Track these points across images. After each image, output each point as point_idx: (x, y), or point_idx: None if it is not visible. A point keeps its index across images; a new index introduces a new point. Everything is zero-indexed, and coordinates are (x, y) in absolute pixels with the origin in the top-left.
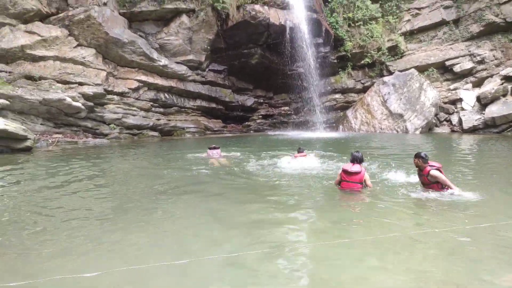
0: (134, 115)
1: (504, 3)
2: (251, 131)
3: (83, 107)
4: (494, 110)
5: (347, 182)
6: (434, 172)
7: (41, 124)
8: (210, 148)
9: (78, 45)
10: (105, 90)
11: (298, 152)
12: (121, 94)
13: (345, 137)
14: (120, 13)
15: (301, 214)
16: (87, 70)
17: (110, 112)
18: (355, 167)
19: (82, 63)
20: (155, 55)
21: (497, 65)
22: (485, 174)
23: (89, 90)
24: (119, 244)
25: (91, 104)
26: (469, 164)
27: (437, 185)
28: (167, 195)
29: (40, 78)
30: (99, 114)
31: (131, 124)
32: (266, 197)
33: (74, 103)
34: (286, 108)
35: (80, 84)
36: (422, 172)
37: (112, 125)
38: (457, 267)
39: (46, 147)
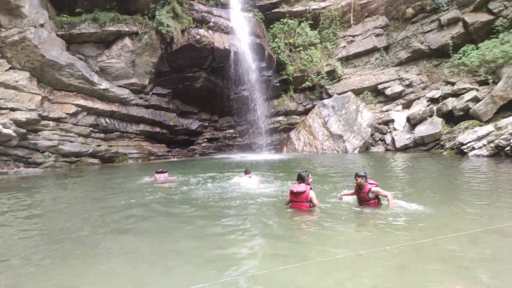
0: (71, 141)
1: (428, 31)
2: (197, 155)
3: (14, 134)
4: (422, 130)
5: (295, 202)
6: (375, 189)
7: None
8: (157, 172)
9: (11, 68)
10: (39, 115)
11: (245, 173)
12: (58, 120)
13: (289, 158)
14: (58, 35)
15: (254, 237)
16: (20, 94)
17: (45, 139)
18: (300, 187)
19: (14, 87)
20: (95, 78)
21: (424, 88)
22: (420, 188)
23: (21, 116)
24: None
25: (23, 131)
26: (405, 180)
27: (375, 201)
28: (108, 227)
29: None
30: (32, 141)
31: (68, 151)
32: (219, 222)
33: (5, 130)
34: (231, 131)
35: (12, 109)
36: (362, 190)
37: (46, 153)
38: (407, 280)
39: None
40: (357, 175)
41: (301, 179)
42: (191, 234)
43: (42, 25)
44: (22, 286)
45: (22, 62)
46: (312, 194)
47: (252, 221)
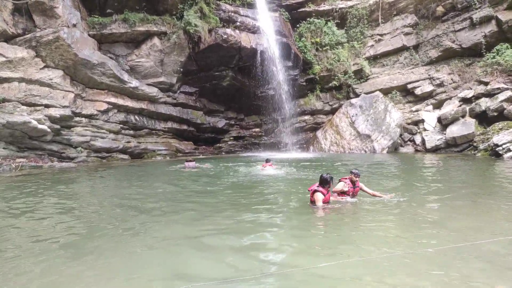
0: (103, 137)
1: (459, 30)
2: (223, 153)
3: (49, 130)
4: (454, 130)
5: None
6: (361, 184)
7: (3, 148)
8: (187, 161)
9: (45, 66)
10: (72, 112)
11: (266, 162)
12: (90, 116)
13: (317, 157)
14: (89, 35)
15: (285, 231)
16: (54, 92)
17: (78, 135)
18: (313, 187)
19: (49, 85)
20: (125, 76)
21: (455, 88)
22: (455, 189)
23: (55, 112)
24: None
25: (57, 126)
26: (440, 181)
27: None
28: (146, 213)
29: (4, 100)
30: (66, 137)
31: (100, 147)
32: (248, 214)
33: (40, 126)
34: (257, 129)
35: (47, 106)
36: (355, 185)
37: (79, 148)
38: (451, 280)
39: (9, 172)
40: (355, 175)
41: (325, 183)
42: (223, 226)
43: (74, 25)
44: (65, 271)
45: (56, 60)
46: (317, 197)
47: (282, 214)
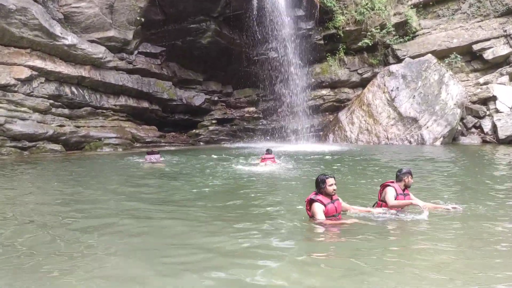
0: (24, 119)
1: None
2: (201, 143)
3: None
4: None
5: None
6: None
7: None
8: (148, 153)
9: None
10: None
11: (267, 153)
12: (4, 88)
13: (340, 151)
14: None
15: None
16: None
17: None
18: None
19: None
20: (57, 29)
21: None
22: None
23: None
24: None
25: None
26: None
27: None
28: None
29: None
30: None
31: (20, 132)
32: (230, 234)
33: None
34: (252, 109)
35: None
36: (405, 191)
37: None
38: None
39: None
40: (410, 173)
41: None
42: (189, 260)
43: None
44: None
45: None
46: (315, 209)
47: (278, 239)
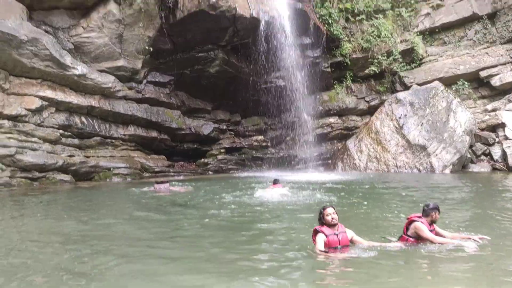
0: (34, 149)
1: None
2: (210, 172)
3: None
4: None
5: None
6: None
7: None
8: (157, 183)
9: None
10: None
11: (274, 183)
12: (15, 118)
13: (348, 180)
14: None
15: None
16: None
17: None
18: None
19: None
20: (67, 59)
21: None
22: None
23: None
24: None
25: None
26: None
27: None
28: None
29: None
30: None
31: (30, 163)
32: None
33: None
34: (260, 137)
35: None
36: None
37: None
38: None
39: None
40: (437, 208)
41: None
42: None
43: None
44: None
45: None
46: (316, 239)
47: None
